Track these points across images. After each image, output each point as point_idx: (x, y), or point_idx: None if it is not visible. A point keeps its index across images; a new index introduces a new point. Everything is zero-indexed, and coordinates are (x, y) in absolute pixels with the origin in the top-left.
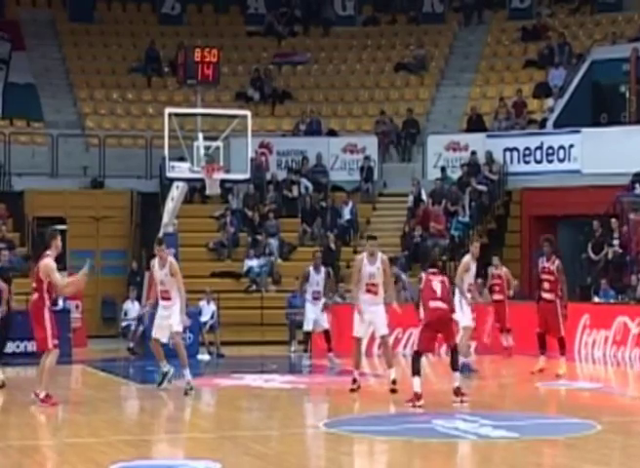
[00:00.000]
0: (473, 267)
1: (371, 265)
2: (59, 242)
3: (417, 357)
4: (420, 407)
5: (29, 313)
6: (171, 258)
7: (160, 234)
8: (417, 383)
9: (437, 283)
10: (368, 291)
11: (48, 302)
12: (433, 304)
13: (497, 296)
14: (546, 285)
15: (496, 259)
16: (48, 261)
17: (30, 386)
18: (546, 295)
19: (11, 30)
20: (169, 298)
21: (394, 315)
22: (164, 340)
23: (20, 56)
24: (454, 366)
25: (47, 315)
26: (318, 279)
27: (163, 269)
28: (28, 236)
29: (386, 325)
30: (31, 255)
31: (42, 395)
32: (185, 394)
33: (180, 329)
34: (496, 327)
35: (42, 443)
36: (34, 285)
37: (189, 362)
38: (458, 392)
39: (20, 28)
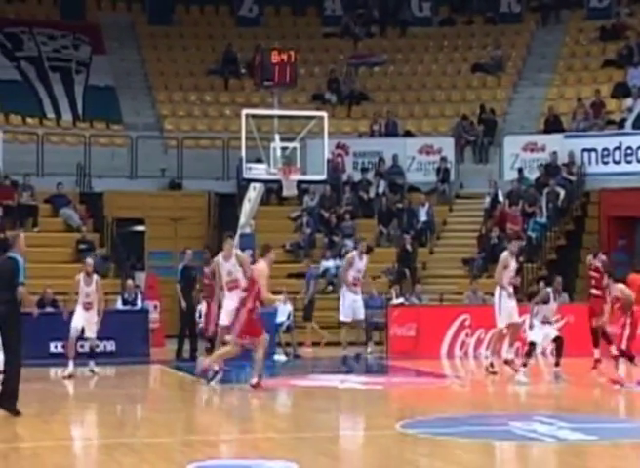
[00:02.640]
0: (513, 264)
1: None
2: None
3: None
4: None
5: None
6: (237, 250)
7: (239, 232)
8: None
9: None
10: None
11: (250, 305)
12: None
13: None
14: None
15: None
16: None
17: (107, 384)
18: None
19: (91, 34)
20: (238, 287)
21: (477, 317)
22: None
23: (101, 59)
24: None
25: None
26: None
27: (229, 261)
28: (108, 237)
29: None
30: (110, 257)
31: (253, 382)
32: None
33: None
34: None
35: (121, 441)
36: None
37: (266, 363)
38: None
39: (100, 32)
